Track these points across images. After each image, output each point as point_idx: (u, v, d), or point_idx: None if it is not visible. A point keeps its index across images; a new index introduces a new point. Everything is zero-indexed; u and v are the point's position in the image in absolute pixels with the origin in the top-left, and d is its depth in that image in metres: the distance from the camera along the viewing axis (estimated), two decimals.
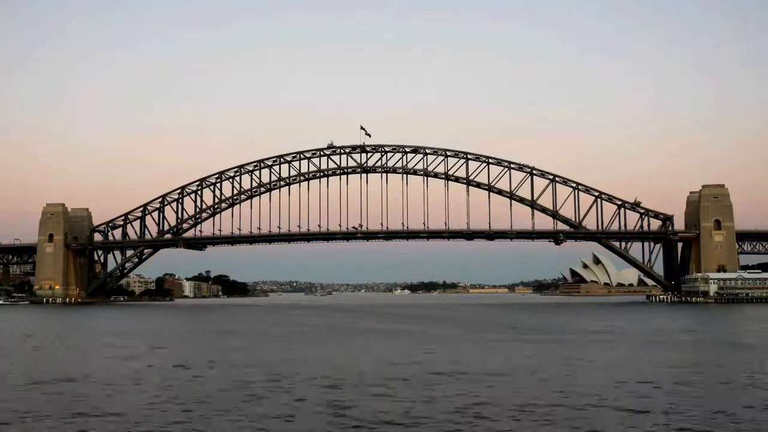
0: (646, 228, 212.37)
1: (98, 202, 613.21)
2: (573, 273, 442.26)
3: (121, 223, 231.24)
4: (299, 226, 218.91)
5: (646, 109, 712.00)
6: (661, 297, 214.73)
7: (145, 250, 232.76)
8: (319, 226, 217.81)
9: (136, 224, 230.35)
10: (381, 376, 39.44)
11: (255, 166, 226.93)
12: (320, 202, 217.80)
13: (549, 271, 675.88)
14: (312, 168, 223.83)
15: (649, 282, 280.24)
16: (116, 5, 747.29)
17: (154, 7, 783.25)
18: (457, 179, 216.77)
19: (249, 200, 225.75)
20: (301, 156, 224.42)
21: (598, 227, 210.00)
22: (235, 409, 29.23)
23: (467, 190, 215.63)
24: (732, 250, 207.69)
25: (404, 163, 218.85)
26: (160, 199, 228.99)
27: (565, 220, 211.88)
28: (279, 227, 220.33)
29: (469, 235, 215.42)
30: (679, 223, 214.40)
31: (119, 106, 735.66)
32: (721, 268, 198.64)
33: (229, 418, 27.57)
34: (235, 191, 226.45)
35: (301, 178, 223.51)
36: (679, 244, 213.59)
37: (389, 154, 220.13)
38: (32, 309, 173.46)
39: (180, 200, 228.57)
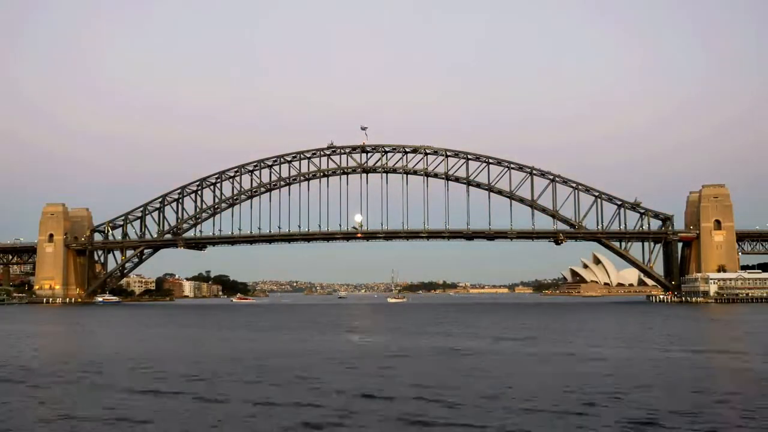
0: (646, 228, 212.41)
1: (98, 202, 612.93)
2: (573, 273, 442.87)
3: (121, 223, 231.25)
4: (299, 226, 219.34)
5: (647, 108, 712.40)
6: (662, 297, 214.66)
7: (145, 250, 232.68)
8: (319, 226, 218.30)
9: (136, 224, 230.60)
10: None
11: (255, 166, 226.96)
12: (320, 202, 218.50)
13: (549, 271, 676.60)
14: (312, 168, 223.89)
15: (650, 282, 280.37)
16: (112, 6, 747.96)
17: (152, 8, 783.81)
18: (457, 179, 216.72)
19: (249, 200, 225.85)
20: (301, 156, 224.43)
21: (598, 227, 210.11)
22: None
23: (467, 190, 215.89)
24: (732, 250, 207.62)
25: (404, 163, 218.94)
26: (160, 199, 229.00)
27: (565, 220, 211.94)
28: (279, 227, 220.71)
29: (469, 235, 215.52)
30: (679, 223, 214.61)
31: (119, 106, 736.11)
32: (721, 268, 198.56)
33: None
34: (235, 191, 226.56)
35: (301, 178, 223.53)
36: (679, 244, 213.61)
37: (389, 154, 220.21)
38: (57, 311, 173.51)
39: (180, 200, 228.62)
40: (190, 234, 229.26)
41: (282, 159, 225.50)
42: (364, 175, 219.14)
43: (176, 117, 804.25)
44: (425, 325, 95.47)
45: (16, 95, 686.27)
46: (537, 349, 54.65)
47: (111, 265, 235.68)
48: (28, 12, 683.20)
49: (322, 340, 67.87)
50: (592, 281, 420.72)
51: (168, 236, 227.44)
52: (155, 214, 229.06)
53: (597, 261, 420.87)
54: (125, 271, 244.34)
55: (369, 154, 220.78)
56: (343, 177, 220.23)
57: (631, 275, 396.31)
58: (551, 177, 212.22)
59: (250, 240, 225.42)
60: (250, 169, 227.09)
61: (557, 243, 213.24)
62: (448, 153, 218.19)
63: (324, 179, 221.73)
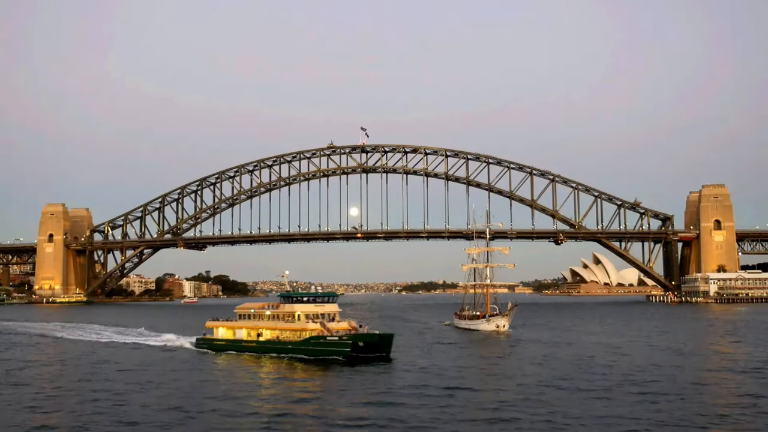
0: (646, 228, 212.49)
1: (98, 202, 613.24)
2: (573, 273, 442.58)
3: (121, 223, 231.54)
4: (299, 226, 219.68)
5: (647, 109, 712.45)
6: (661, 297, 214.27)
7: (145, 250, 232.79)
8: (319, 226, 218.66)
9: (136, 224, 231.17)
10: None
11: (255, 166, 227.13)
12: (320, 202, 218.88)
13: (549, 271, 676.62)
14: (312, 168, 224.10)
15: (650, 282, 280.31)
16: (111, 8, 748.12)
17: (153, 12, 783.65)
18: (457, 179, 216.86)
19: (249, 200, 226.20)
20: (301, 156, 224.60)
21: (598, 227, 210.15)
22: None
23: (467, 190, 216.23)
24: (732, 250, 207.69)
25: (404, 163, 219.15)
26: (160, 199, 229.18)
27: (565, 220, 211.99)
28: (279, 227, 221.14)
29: (469, 235, 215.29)
30: (679, 223, 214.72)
31: (119, 106, 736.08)
32: (721, 268, 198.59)
33: None
34: (235, 191, 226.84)
35: (301, 178, 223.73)
36: (679, 244, 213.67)
37: (389, 154, 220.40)
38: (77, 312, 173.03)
39: (180, 200, 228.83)
40: (190, 234, 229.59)
41: (282, 159, 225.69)
42: (364, 175, 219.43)
43: (176, 117, 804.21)
44: None
45: (17, 95, 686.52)
46: None
47: (111, 265, 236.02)
48: (29, 12, 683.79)
49: None
50: (592, 281, 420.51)
51: (168, 236, 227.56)
52: (155, 214, 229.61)
53: (597, 261, 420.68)
54: (125, 271, 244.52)
55: (369, 154, 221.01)
56: (343, 177, 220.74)
57: (631, 275, 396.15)
58: (551, 177, 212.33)
59: (250, 240, 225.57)
60: (250, 169, 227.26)
61: (557, 243, 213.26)
62: (448, 153, 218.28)
63: (324, 179, 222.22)
